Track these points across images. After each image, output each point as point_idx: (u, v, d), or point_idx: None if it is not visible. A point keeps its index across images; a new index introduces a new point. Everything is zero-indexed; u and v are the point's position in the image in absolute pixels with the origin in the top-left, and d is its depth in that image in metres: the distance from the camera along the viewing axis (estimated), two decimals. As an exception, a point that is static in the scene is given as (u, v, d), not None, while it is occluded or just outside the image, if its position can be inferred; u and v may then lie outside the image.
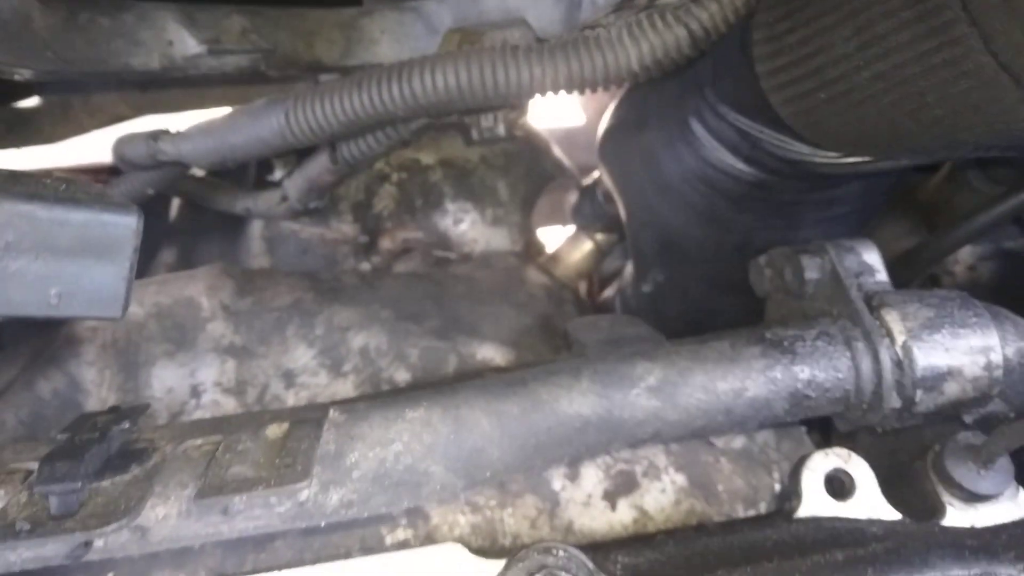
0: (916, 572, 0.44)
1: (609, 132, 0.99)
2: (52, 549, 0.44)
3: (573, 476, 0.68)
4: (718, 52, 0.77)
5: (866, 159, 0.72)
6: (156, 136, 0.91)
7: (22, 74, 0.69)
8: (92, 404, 0.78)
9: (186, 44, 0.78)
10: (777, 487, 0.69)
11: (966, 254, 1.06)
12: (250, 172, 1.12)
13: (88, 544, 0.45)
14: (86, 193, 0.39)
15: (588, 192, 1.19)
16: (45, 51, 0.68)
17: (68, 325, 0.83)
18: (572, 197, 1.24)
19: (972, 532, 0.53)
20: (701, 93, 0.78)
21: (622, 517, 0.66)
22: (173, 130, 0.92)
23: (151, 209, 1.09)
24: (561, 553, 0.53)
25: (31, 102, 1.14)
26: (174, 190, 1.12)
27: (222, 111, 1.05)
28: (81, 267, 0.38)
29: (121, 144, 0.96)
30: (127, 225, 0.39)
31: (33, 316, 0.37)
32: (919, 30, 0.48)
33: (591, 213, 1.18)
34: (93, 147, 1.27)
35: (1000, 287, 1.05)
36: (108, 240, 0.39)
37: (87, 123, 1.15)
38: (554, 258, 1.24)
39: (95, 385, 0.79)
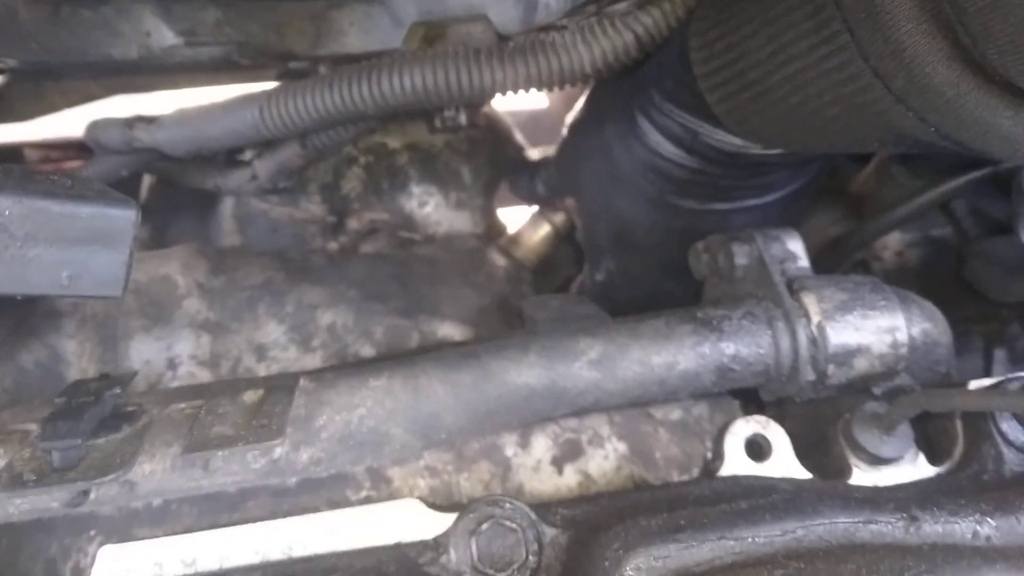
0: (808, 519, 0.51)
1: (569, 132, 1.06)
2: (55, 497, 0.49)
3: (524, 444, 0.74)
4: (661, 57, 0.83)
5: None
6: (131, 124, 0.95)
7: (6, 63, 0.72)
8: (73, 374, 0.83)
9: (163, 36, 0.82)
10: (709, 455, 0.76)
11: (894, 241, 1.14)
12: (220, 152, 1.16)
13: (86, 493, 0.50)
14: (91, 189, 0.44)
15: (529, 169, 1.23)
16: (30, 42, 0.72)
17: (47, 300, 0.87)
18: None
19: (863, 488, 0.61)
20: (647, 93, 0.85)
21: (568, 481, 0.73)
22: (148, 116, 0.96)
23: (123, 187, 1.13)
24: (508, 505, 0.60)
25: (1, 80, 1.16)
26: (146, 169, 1.15)
27: (194, 94, 1.09)
28: (88, 254, 0.43)
29: (95, 129, 0.99)
30: (127, 218, 0.45)
31: (47, 295, 0.43)
32: (814, 40, 0.55)
33: (526, 188, 1.23)
34: (64, 123, 1.29)
35: (926, 272, 1.13)
36: (111, 230, 0.44)
37: (59, 102, 1.17)
38: (514, 240, 1.30)
39: (76, 356, 0.83)
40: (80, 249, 0.43)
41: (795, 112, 0.63)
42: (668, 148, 0.86)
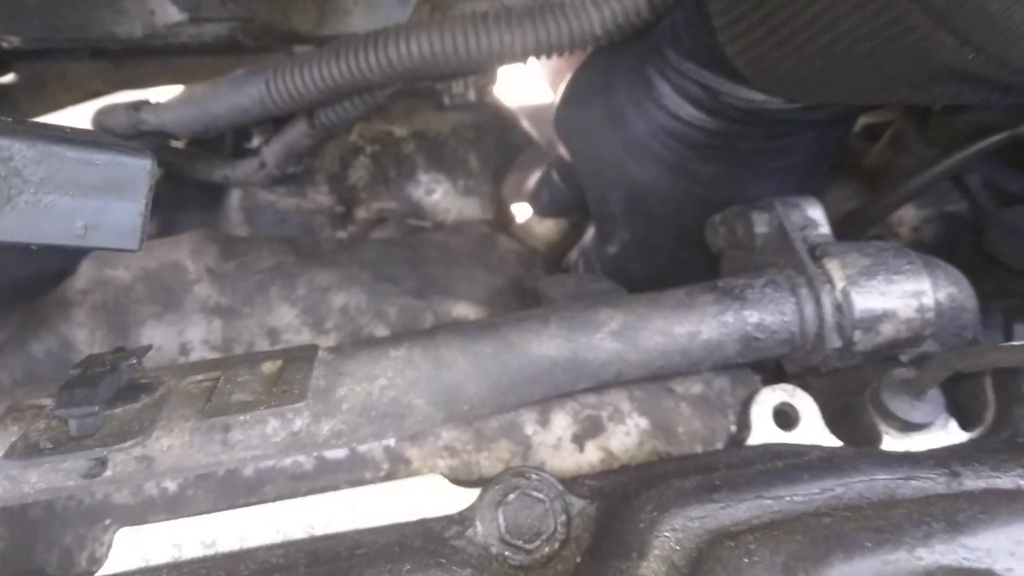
0: (846, 476, 0.50)
1: (569, 101, 1.03)
2: (73, 465, 0.48)
3: (544, 421, 0.73)
4: (676, 14, 0.82)
5: (815, 105, 0.78)
6: (138, 107, 0.94)
7: (11, 41, 0.71)
8: (85, 363, 0.82)
9: (167, 12, 0.81)
10: (732, 428, 0.75)
11: (910, 216, 1.13)
12: (227, 141, 1.15)
13: (104, 463, 0.49)
14: (105, 138, 0.43)
15: (545, 179, 1.20)
16: (33, 19, 0.71)
17: (57, 290, 0.86)
18: (533, 179, 1.26)
19: (898, 452, 0.59)
20: (662, 54, 0.83)
21: (590, 458, 0.72)
22: (154, 101, 0.95)
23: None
24: (534, 476, 0.59)
25: (6, 78, 1.15)
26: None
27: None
28: (103, 203, 0.42)
29: (102, 115, 0.99)
30: (143, 166, 0.44)
31: (62, 245, 0.42)
32: None
33: (548, 201, 1.20)
34: (66, 122, 1.29)
35: (943, 247, 1.11)
36: (127, 179, 0.43)
37: (62, 98, 1.17)
38: (524, 228, 1.29)
39: (87, 345, 0.82)
40: (96, 198, 0.42)
41: (825, 53, 0.61)
42: (687, 110, 0.84)
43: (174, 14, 0.81)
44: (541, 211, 1.25)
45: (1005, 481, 0.51)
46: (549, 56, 0.83)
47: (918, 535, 0.40)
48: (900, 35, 0.52)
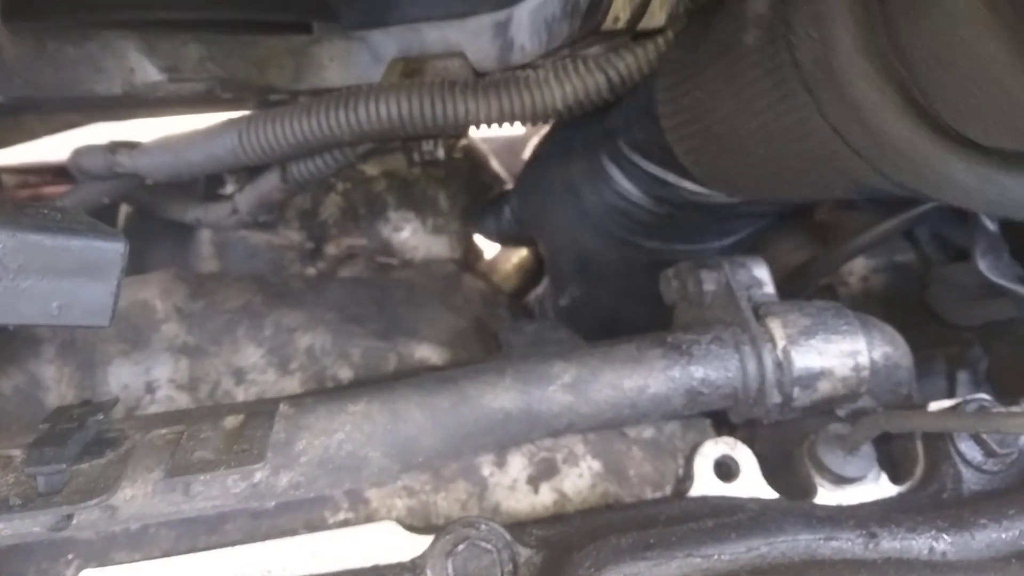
0: (771, 536, 0.53)
1: (534, 164, 1.08)
2: (40, 521, 0.50)
3: (500, 463, 0.75)
4: (629, 109, 0.87)
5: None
6: (114, 149, 0.96)
7: (-9, 100, 0.74)
8: (52, 399, 0.83)
9: (146, 72, 0.83)
10: (680, 472, 0.78)
11: (860, 266, 1.17)
12: (199, 183, 1.17)
13: (70, 517, 0.51)
14: (80, 223, 0.46)
15: (495, 208, 1.23)
16: (15, 78, 0.73)
17: (28, 327, 0.87)
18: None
19: (826, 507, 0.63)
20: (616, 143, 0.89)
21: (544, 499, 0.74)
22: (129, 142, 0.98)
23: (100, 215, 1.13)
24: (483, 527, 0.61)
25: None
26: (127, 200, 1.16)
27: (175, 122, 1.10)
28: (77, 285, 0.45)
29: (79, 155, 1.01)
30: (116, 250, 0.47)
31: (38, 325, 0.44)
32: (775, 96, 0.58)
33: (494, 229, 1.24)
34: (42, 147, 1.30)
35: (890, 297, 1.16)
36: (100, 262, 0.46)
37: (39, 129, 1.18)
38: (491, 265, 1.33)
39: (55, 382, 0.83)
40: (70, 280, 0.45)
41: (760, 164, 0.66)
42: (636, 194, 0.90)
43: (153, 74, 0.83)
44: (487, 235, 1.28)
45: (919, 543, 0.55)
46: (512, 125, 0.87)
47: (819, 605, 0.44)
48: (825, 157, 0.57)
